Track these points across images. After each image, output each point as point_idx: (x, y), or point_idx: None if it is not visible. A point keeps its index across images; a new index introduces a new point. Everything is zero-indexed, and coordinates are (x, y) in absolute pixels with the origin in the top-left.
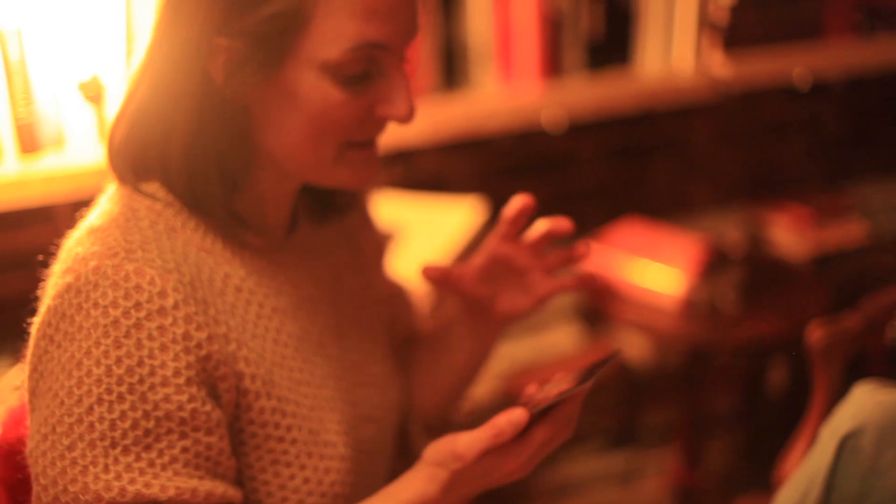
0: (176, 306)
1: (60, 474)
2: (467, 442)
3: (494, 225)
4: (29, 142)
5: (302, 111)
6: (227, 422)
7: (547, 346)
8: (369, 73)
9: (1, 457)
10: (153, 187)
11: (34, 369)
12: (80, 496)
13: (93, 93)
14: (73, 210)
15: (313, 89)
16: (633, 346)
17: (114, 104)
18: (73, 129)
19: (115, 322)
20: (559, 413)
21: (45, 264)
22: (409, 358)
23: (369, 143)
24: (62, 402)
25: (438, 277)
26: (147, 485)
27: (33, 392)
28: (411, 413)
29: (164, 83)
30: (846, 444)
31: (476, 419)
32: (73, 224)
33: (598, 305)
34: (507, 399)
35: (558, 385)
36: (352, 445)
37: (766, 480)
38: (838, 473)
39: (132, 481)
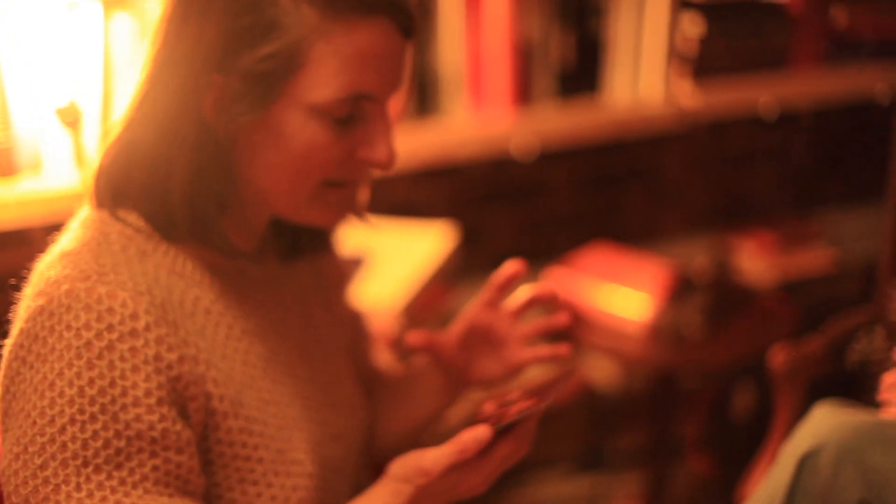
0: (147, 328)
1: (32, 493)
2: (433, 458)
3: (478, 293)
4: (6, 166)
5: (287, 149)
6: (196, 441)
7: None
8: (353, 117)
9: None
10: (128, 214)
11: (6, 391)
12: None
13: (70, 118)
14: (48, 234)
15: (300, 130)
16: (601, 371)
17: (103, 130)
18: (49, 153)
19: (88, 344)
20: (519, 429)
21: (20, 287)
22: (372, 392)
23: (346, 184)
24: (34, 422)
25: (421, 345)
26: (118, 503)
27: (6, 413)
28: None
29: (160, 116)
30: (805, 463)
31: (441, 438)
32: (48, 248)
33: (567, 331)
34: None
35: (517, 403)
36: (318, 463)
37: (731, 502)
38: (798, 492)
39: (103, 499)
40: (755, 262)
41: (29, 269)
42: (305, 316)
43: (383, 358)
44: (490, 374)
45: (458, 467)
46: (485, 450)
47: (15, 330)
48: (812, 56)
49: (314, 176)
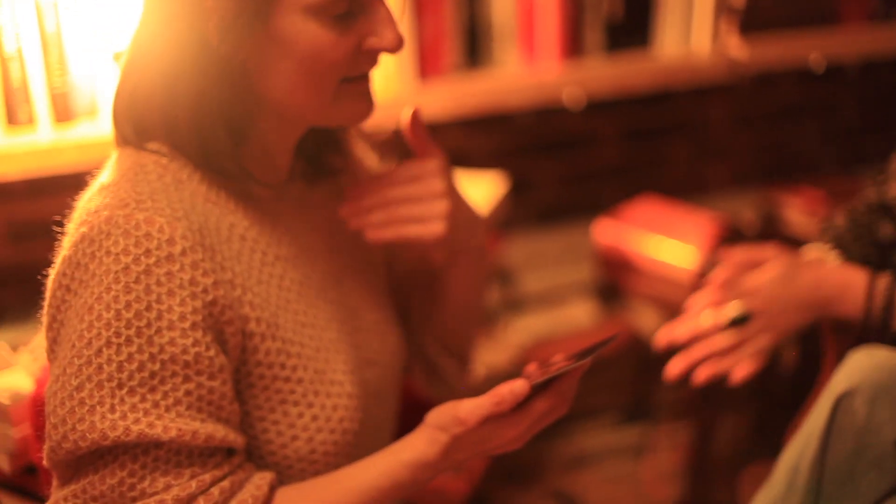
0: (184, 253)
1: (69, 413)
2: (470, 408)
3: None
4: (63, 111)
5: (294, 56)
6: (235, 366)
7: (564, 321)
8: (353, 11)
9: (38, 410)
10: (156, 145)
11: (53, 319)
12: (87, 434)
13: None
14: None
15: (302, 33)
16: (649, 321)
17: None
18: (106, 99)
19: (126, 268)
20: (557, 388)
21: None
22: (415, 292)
23: (363, 78)
24: (73, 345)
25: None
26: (151, 425)
27: (54, 341)
28: (427, 340)
29: (164, 49)
30: (841, 404)
31: (490, 386)
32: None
33: (614, 280)
34: (515, 371)
35: (557, 363)
36: (358, 384)
37: (776, 453)
38: (833, 432)
39: (136, 421)
40: (802, 217)
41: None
42: (334, 241)
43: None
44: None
45: (494, 420)
46: (522, 404)
47: (59, 259)
48: (860, 12)
49: (329, 76)
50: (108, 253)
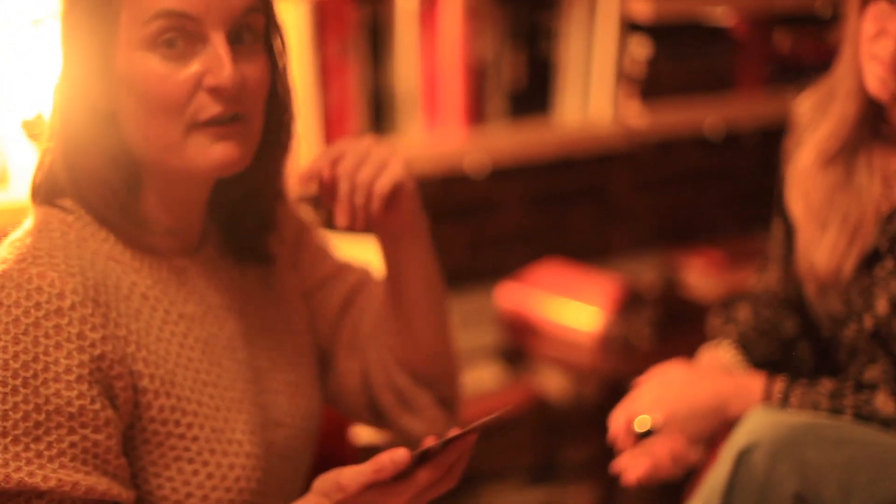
0: (73, 307)
1: None
2: (351, 475)
3: None
4: None
5: (134, 93)
6: (127, 421)
7: (469, 384)
8: (194, 50)
9: None
10: (67, 202)
11: None
12: None
13: (37, 131)
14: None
15: (137, 68)
16: (552, 383)
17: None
18: (16, 166)
19: (16, 320)
20: (443, 460)
21: None
22: (363, 316)
23: (217, 122)
24: None
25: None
26: (31, 474)
27: None
28: (394, 368)
29: (56, 103)
30: (742, 459)
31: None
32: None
33: (519, 343)
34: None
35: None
36: (260, 445)
37: None
38: (735, 486)
39: (17, 469)
40: (702, 278)
41: None
42: (246, 303)
43: None
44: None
45: (377, 488)
46: (405, 473)
47: None
48: (756, 78)
49: (169, 113)
50: (0, 305)
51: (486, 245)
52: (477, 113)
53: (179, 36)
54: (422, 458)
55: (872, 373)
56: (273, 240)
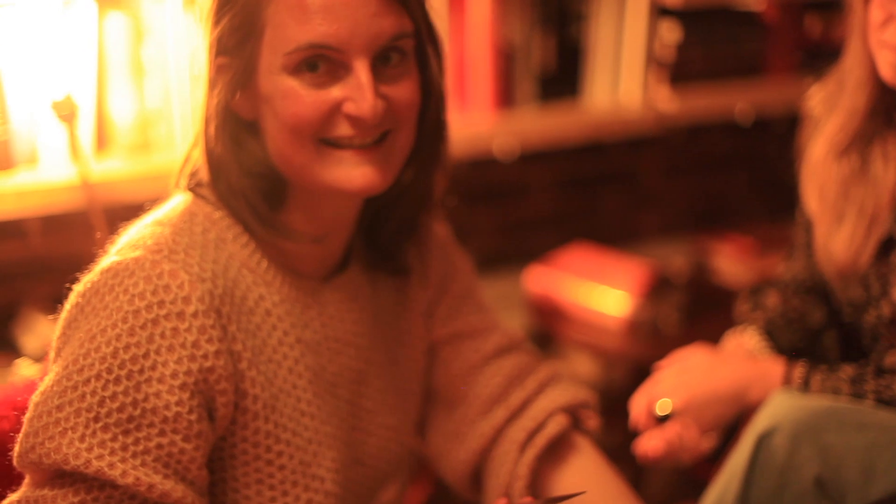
0: (195, 315)
1: (43, 428)
2: None
3: None
4: (3, 159)
5: (276, 113)
6: (220, 434)
7: None
8: (337, 74)
9: None
10: (210, 194)
11: (63, 333)
12: (52, 454)
13: (66, 112)
14: (44, 225)
15: (279, 89)
16: (581, 367)
17: (100, 112)
18: (45, 146)
19: (137, 311)
20: None
21: (23, 276)
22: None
23: (350, 144)
24: (66, 366)
25: None
26: (111, 465)
27: (58, 352)
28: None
29: (202, 106)
30: (763, 442)
31: None
32: (44, 238)
33: (547, 327)
34: None
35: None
36: (341, 484)
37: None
38: (755, 469)
39: (100, 457)
40: (731, 264)
41: (27, 260)
42: (373, 335)
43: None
44: None
45: None
46: None
47: (86, 279)
48: (786, 64)
49: (304, 133)
50: (125, 290)
51: (515, 228)
52: (506, 96)
53: (322, 61)
54: None
55: (893, 358)
56: (413, 253)
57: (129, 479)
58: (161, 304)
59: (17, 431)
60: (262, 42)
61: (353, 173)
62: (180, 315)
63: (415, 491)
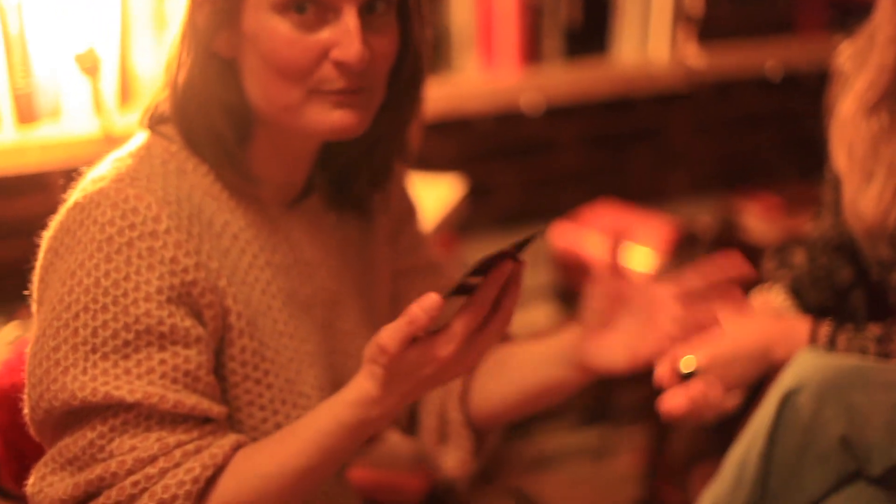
0: (168, 231)
1: (45, 373)
2: (387, 333)
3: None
4: (26, 112)
5: (260, 52)
6: (214, 348)
7: (523, 324)
8: (325, 18)
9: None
10: (169, 130)
11: (41, 280)
12: (59, 394)
13: (89, 65)
14: (67, 178)
15: (265, 29)
16: None
17: (124, 65)
18: (69, 99)
19: (109, 238)
20: (482, 295)
21: (45, 230)
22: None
23: (337, 90)
24: (53, 308)
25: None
26: (117, 388)
27: (39, 302)
28: (453, 402)
29: (175, 42)
30: (788, 401)
31: None
32: (68, 191)
33: (573, 284)
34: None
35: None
36: None
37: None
38: (780, 428)
39: (105, 384)
40: (759, 222)
41: (50, 214)
42: (342, 264)
43: None
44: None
45: (420, 342)
46: (442, 322)
47: (53, 223)
48: (817, 20)
49: (294, 79)
50: (94, 222)
51: (541, 185)
52: (533, 52)
53: (310, 3)
54: (459, 295)
55: None
56: (380, 198)
57: (139, 395)
58: (132, 226)
59: None
60: None
61: (333, 116)
62: (153, 234)
63: (414, 480)
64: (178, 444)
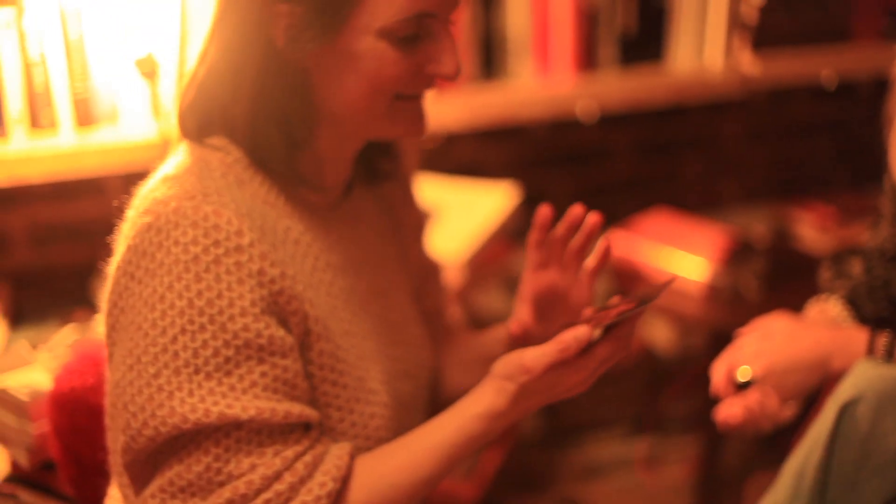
0: (252, 244)
1: (148, 400)
2: (535, 356)
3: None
4: (85, 116)
5: (360, 72)
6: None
7: None
8: (419, 36)
9: (56, 407)
10: (220, 142)
11: (114, 305)
12: (168, 419)
13: (147, 69)
14: (125, 182)
15: (370, 52)
16: (659, 333)
17: (183, 70)
18: (127, 104)
19: (196, 258)
20: (618, 332)
21: (103, 233)
22: (445, 345)
23: (417, 97)
24: (146, 334)
25: (520, 335)
26: (229, 406)
27: (113, 327)
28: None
29: (230, 48)
30: (846, 412)
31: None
32: (126, 196)
33: (626, 292)
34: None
35: (616, 307)
36: (392, 395)
37: (782, 463)
38: (838, 439)
39: (215, 403)
40: (812, 232)
41: (105, 217)
42: (380, 256)
43: (452, 312)
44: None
45: (559, 366)
46: (585, 350)
47: (121, 247)
48: (873, 29)
49: (386, 93)
50: (176, 243)
51: (594, 192)
52: (588, 58)
53: (418, 29)
54: (601, 334)
55: None
56: (400, 192)
57: (252, 412)
58: (216, 243)
59: (99, 386)
60: (358, 5)
61: (416, 125)
62: (238, 248)
63: (491, 454)
64: (297, 456)
